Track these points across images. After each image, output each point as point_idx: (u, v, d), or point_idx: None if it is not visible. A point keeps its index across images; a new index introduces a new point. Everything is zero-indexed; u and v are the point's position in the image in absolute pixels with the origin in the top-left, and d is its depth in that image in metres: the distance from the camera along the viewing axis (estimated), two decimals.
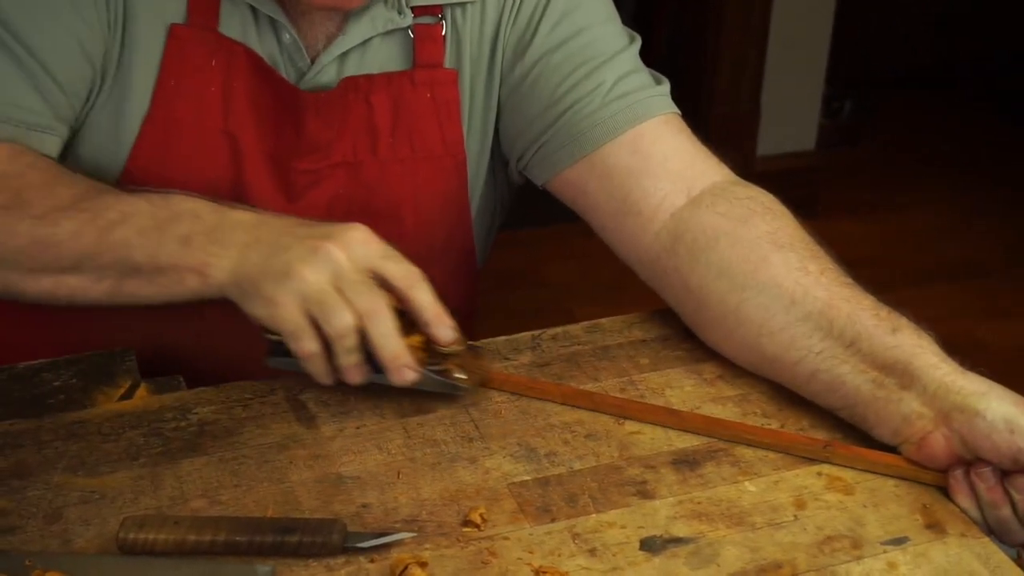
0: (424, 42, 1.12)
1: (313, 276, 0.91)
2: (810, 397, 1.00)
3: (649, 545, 0.87)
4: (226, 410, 0.99)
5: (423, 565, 0.82)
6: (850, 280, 1.01)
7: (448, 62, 1.13)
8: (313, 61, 1.10)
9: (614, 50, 1.14)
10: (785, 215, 1.06)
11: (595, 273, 2.96)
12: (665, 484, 0.93)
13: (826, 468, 0.95)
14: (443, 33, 1.12)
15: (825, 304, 0.99)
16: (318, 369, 0.95)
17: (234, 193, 1.10)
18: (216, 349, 1.10)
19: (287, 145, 1.11)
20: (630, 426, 0.99)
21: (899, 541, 0.88)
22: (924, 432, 0.93)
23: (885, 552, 0.87)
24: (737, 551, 0.86)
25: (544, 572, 0.83)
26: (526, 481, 0.93)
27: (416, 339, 0.95)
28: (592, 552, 0.86)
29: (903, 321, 0.98)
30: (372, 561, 0.84)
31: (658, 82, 1.15)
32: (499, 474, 0.93)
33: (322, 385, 1.02)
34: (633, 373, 1.05)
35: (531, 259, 2.88)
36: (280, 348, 0.95)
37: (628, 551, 0.86)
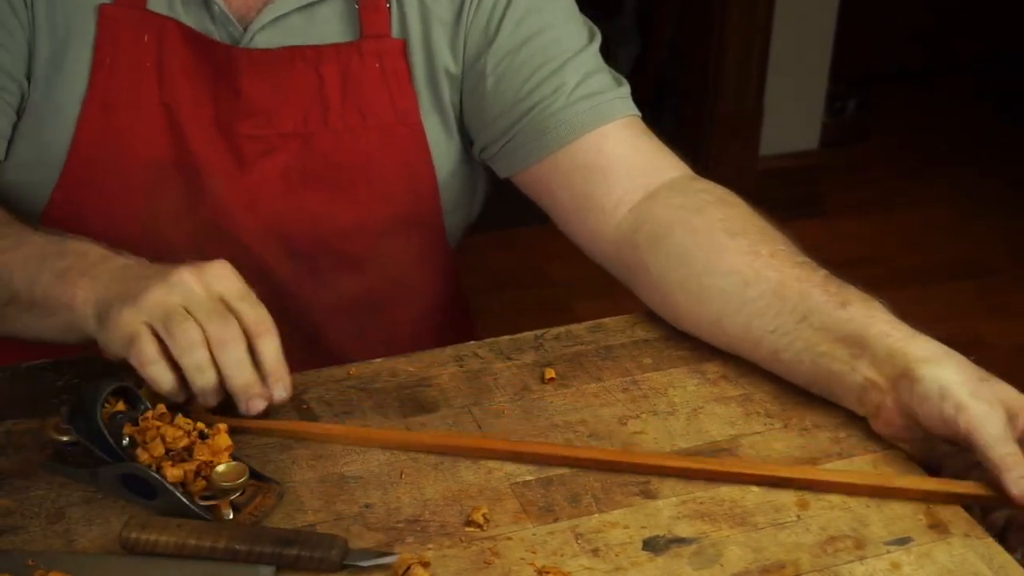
0: (369, 12, 1.12)
1: (162, 296, 0.91)
2: (783, 375, 1.02)
3: (652, 545, 0.87)
4: (228, 409, 0.99)
5: (426, 565, 0.82)
6: (802, 259, 1.04)
7: (395, 32, 1.13)
8: (246, 29, 1.11)
9: (576, 48, 1.15)
10: (738, 204, 1.10)
11: (598, 272, 2.96)
12: (668, 484, 0.92)
13: (829, 467, 0.95)
14: (387, 4, 1.13)
15: (777, 284, 1.01)
16: (160, 378, 0.91)
17: (182, 167, 1.12)
18: None
19: (227, 109, 1.12)
20: (632, 426, 0.99)
21: (903, 541, 0.88)
22: (880, 401, 0.95)
23: (889, 552, 0.87)
24: (740, 551, 0.86)
25: (547, 572, 0.83)
26: (528, 481, 0.93)
27: (193, 464, 0.88)
28: (595, 552, 0.86)
29: (853, 294, 1.00)
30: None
31: (619, 83, 1.17)
32: (501, 474, 0.93)
33: (323, 385, 1.02)
34: (636, 373, 1.05)
35: (534, 258, 2.88)
36: (61, 454, 0.92)
37: (631, 551, 0.86)
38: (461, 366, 1.06)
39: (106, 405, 0.90)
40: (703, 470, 0.93)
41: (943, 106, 3.81)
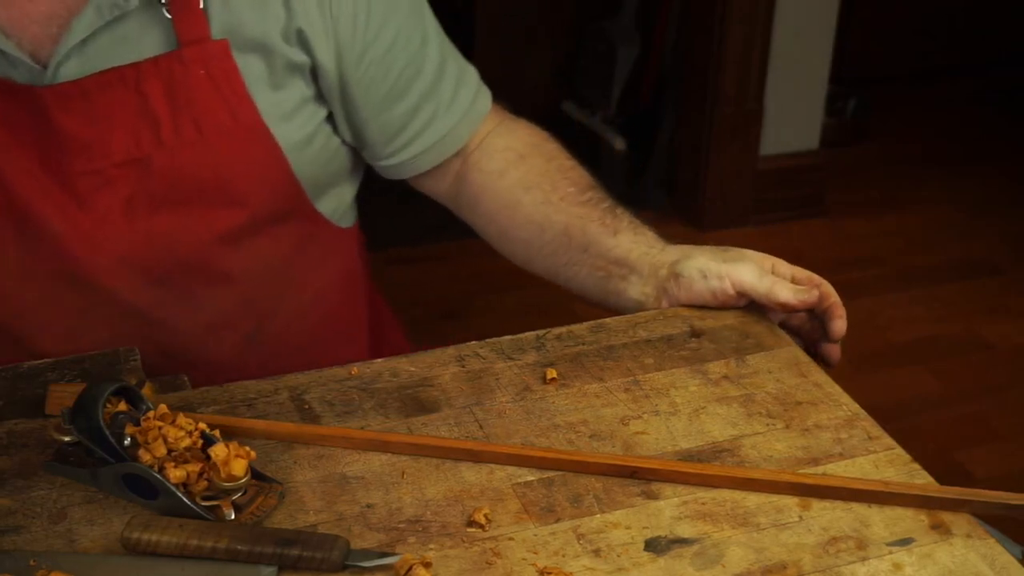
0: (183, 18, 1.06)
1: None
2: (582, 297, 1.21)
3: (654, 546, 0.87)
4: (230, 409, 0.99)
5: (427, 565, 0.82)
6: (588, 196, 1.20)
7: (216, 33, 1.08)
8: (47, 66, 1.05)
9: (438, 43, 1.21)
10: (533, 157, 1.23)
11: None
12: (669, 484, 0.92)
13: (830, 468, 0.95)
14: (201, 6, 1.07)
15: (564, 225, 1.19)
16: None
17: (15, 219, 1.08)
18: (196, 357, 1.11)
19: (52, 150, 1.07)
20: (634, 426, 0.99)
21: (904, 542, 0.88)
22: (657, 305, 1.14)
23: (891, 553, 0.87)
24: (742, 552, 0.86)
25: (548, 572, 0.83)
26: (530, 481, 0.93)
27: (196, 466, 0.88)
28: (596, 552, 0.86)
29: (625, 223, 1.18)
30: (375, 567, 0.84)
31: (463, 70, 1.25)
32: (503, 474, 0.93)
33: (324, 386, 1.02)
34: (638, 373, 1.05)
35: None
36: (63, 454, 0.92)
37: (633, 551, 0.86)
38: (463, 366, 1.06)
39: (108, 405, 0.90)
40: (705, 475, 0.93)
41: (943, 106, 3.81)
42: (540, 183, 1.22)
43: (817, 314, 1.13)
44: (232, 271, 1.16)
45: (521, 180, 1.22)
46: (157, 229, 1.10)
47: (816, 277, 1.12)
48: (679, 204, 3.19)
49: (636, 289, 1.15)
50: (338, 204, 1.24)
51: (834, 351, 1.14)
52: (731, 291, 1.11)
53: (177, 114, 1.08)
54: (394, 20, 1.16)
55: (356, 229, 1.31)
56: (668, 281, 1.13)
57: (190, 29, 1.07)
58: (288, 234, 1.19)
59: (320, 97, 1.16)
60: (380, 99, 1.18)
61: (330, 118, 1.18)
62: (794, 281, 1.12)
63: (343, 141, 1.21)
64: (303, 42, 1.11)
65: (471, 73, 1.26)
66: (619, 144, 3.18)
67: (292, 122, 1.13)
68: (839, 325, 1.11)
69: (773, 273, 1.12)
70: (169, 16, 1.06)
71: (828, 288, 1.11)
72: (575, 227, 1.18)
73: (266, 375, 1.03)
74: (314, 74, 1.14)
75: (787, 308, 1.11)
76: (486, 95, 1.27)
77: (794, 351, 1.09)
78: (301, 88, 1.13)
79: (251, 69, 1.10)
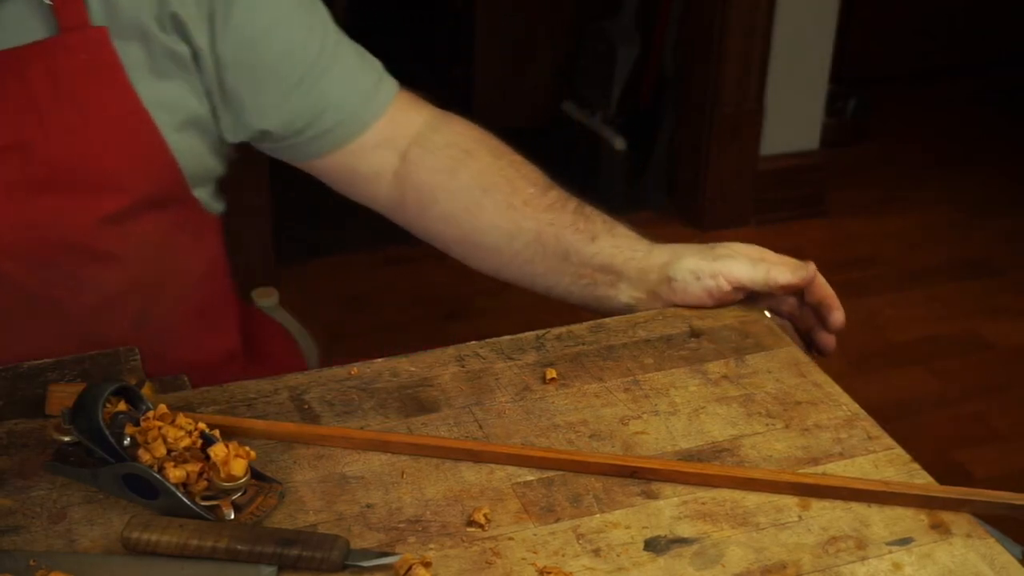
0: (63, 4, 1.06)
1: None
2: (578, 307, 1.17)
3: (653, 545, 0.87)
4: (230, 409, 0.99)
5: (427, 565, 0.82)
6: (551, 199, 1.17)
7: (96, 19, 1.07)
8: None
9: (330, 31, 1.17)
10: (480, 153, 1.19)
11: None
12: (669, 484, 0.92)
13: (830, 468, 0.95)
14: None
15: (536, 233, 1.16)
16: None
17: None
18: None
19: None
20: (634, 426, 0.99)
21: (904, 542, 0.88)
22: (648, 308, 1.14)
23: (890, 553, 0.87)
24: (741, 551, 0.86)
25: (548, 572, 0.83)
26: (530, 481, 0.93)
27: (196, 466, 0.88)
28: (596, 552, 0.86)
29: (599, 226, 1.16)
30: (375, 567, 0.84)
31: (362, 56, 1.19)
32: (503, 474, 0.93)
33: (324, 385, 1.02)
34: (637, 373, 1.05)
35: None
36: (63, 454, 0.92)
37: (632, 551, 0.86)
38: (462, 366, 1.06)
39: (108, 405, 0.90)
40: (705, 475, 0.93)
41: (943, 106, 3.82)
42: (498, 183, 1.18)
43: (810, 304, 1.13)
44: (116, 252, 1.15)
45: (477, 180, 1.18)
46: (40, 212, 1.10)
47: (802, 262, 1.13)
48: (679, 204, 3.19)
49: (626, 295, 1.15)
50: (212, 190, 1.23)
51: (830, 340, 1.14)
52: (727, 288, 1.11)
53: (59, 100, 1.08)
54: (274, 5, 1.15)
55: (220, 220, 1.28)
56: (660, 285, 1.13)
57: (70, 15, 1.07)
58: (168, 218, 1.18)
59: (202, 85, 1.14)
60: (265, 84, 1.15)
61: (213, 107, 1.16)
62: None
63: (223, 130, 1.18)
64: (179, 27, 1.10)
65: (373, 61, 1.21)
66: (619, 144, 3.18)
67: (173, 110, 1.13)
68: (838, 316, 1.11)
69: (763, 260, 1.12)
70: (49, 2, 1.07)
71: (816, 271, 1.12)
72: (548, 234, 1.16)
73: (154, 362, 1.05)
74: (196, 62, 1.13)
75: (788, 289, 1.11)
76: (391, 82, 1.21)
77: (794, 351, 1.09)
78: (183, 76, 1.12)
79: (131, 56, 1.09)
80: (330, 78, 1.16)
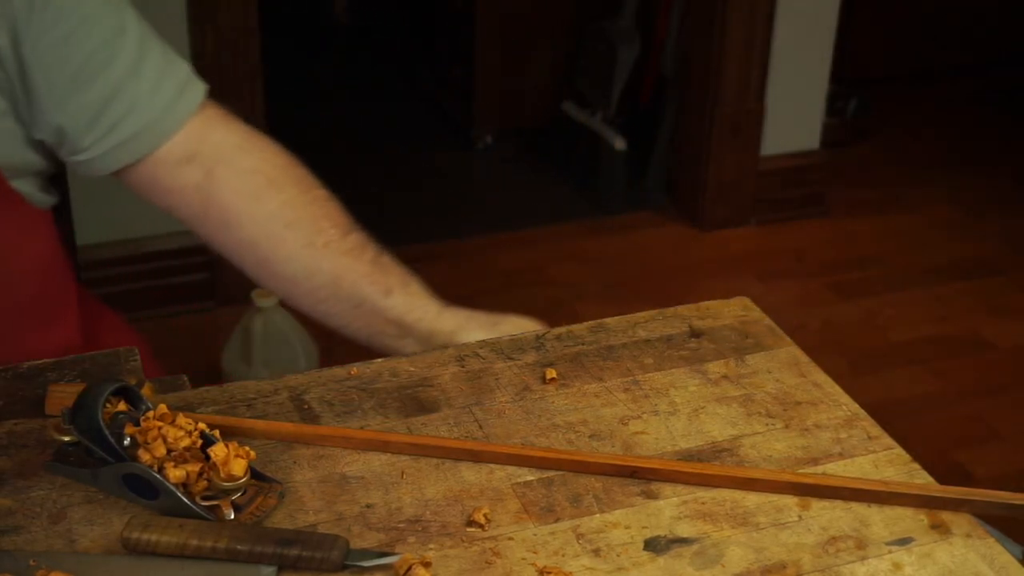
0: None
1: None
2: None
3: (653, 545, 0.87)
4: (230, 409, 0.99)
5: (427, 565, 0.82)
6: (349, 244, 1.18)
7: None
8: None
9: (137, 34, 1.14)
10: (287, 185, 1.19)
11: (600, 273, 2.97)
12: (669, 484, 0.92)
13: (830, 467, 0.95)
14: None
15: (333, 276, 1.17)
16: None
17: None
18: None
19: None
20: (634, 426, 0.99)
21: (904, 541, 0.88)
22: None
23: (890, 552, 0.87)
24: (741, 551, 0.86)
25: (548, 572, 0.83)
26: (530, 481, 0.93)
27: (196, 466, 0.88)
28: (596, 552, 0.86)
29: (395, 280, 1.18)
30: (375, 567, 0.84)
31: (174, 63, 1.17)
32: (503, 474, 0.93)
33: (324, 385, 1.02)
34: (637, 373, 1.05)
35: (536, 258, 2.88)
36: (63, 454, 0.92)
37: (632, 551, 0.86)
38: (462, 366, 1.06)
39: (107, 405, 0.90)
40: (705, 475, 0.93)
41: (943, 106, 3.82)
42: (301, 220, 1.18)
43: None
44: None
45: (280, 212, 1.18)
46: None
47: None
48: (679, 204, 3.18)
49: (410, 348, 1.16)
50: (37, 183, 1.21)
51: None
52: None
53: None
54: (80, 5, 1.12)
55: (51, 214, 1.26)
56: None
57: None
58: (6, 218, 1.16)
59: (5, 82, 1.12)
60: (65, 86, 1.13)
61: (15, 102, 1.14)
62: None
63: (28, 132, 1.16)
64: None
65: (180, 66, 1.18)
66: (619, 144, 3.18)
67: None
68: None
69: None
70: None
71: None
72: (345, 280, 1.17)
73: None
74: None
75: None
76: (197, 88, 1.18)
77: (794, 351, 1.09)
78: None
79: None
80: (136, 82, 1.14)
